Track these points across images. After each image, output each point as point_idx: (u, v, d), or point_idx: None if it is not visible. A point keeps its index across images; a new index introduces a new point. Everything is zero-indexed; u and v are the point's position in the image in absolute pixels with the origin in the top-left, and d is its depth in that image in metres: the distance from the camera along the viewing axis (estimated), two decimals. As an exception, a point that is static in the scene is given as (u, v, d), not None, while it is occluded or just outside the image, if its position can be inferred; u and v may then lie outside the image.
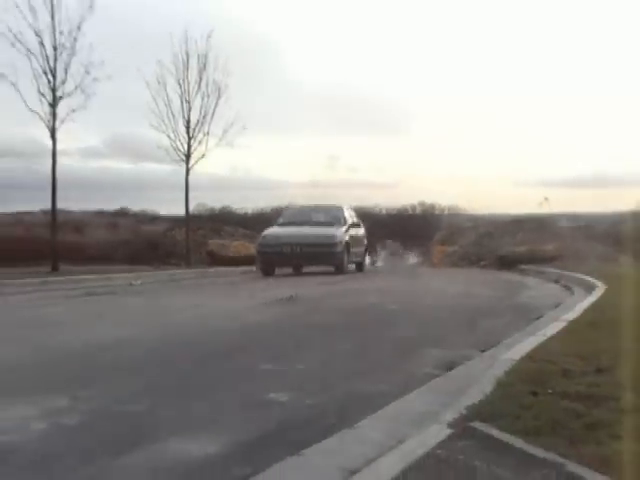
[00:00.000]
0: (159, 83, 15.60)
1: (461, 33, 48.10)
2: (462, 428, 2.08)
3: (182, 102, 15.79)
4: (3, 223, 17.57)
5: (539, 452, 1.85)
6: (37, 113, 12.21)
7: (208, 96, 15.86)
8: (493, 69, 47.61)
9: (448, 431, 2.06)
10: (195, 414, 2.57)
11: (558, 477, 1.71)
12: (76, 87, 12.34)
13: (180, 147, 15.77)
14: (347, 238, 13.48)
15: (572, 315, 5.06)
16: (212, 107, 15.89)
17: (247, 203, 31.99)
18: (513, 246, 17.13)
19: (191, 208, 17.52)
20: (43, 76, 12.17)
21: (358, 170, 48.91)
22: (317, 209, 14.80)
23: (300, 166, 46.44)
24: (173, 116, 15.71)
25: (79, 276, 11.04)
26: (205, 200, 26.99)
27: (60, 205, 13.44)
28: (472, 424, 2.11)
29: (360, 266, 14.93)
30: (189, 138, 15.80)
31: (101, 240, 17.31)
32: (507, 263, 15.92)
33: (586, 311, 5.34)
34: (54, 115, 12.32)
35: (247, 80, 34.99)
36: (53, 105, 12.28)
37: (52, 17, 12.15)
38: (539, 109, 44.38)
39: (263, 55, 40.30)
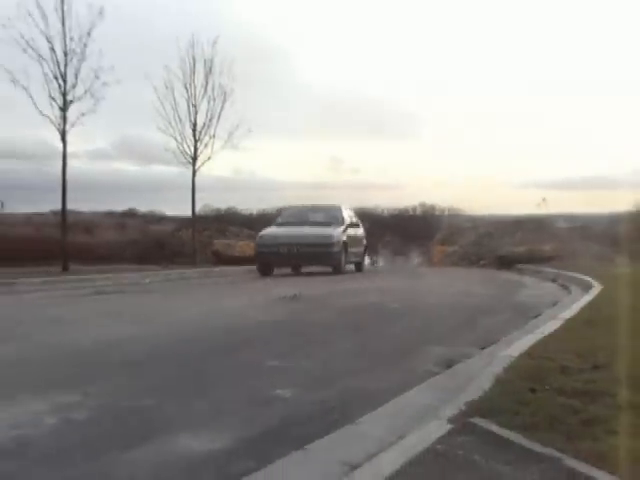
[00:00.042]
0: (167, 87, 15.70)
1: (463, 36, 48.29)
2: (462, 424, 2.11)
3: (189, 106, 15.88)
4: (14, 223, 17.60)
5: (537, 447, 1.88)
6: (48, 117, 12.33)
7: (214, 100, 15.92)
8: (493, 72, 47.84)
9: (448, 427, 2.09)
10: (202, 410, 2.60)
11: (555, 471, 1.74)
12: (86, 91, 12.43)
13: (187, 150, 15.87)
14: (345, 238, 13.36)
15: (569, 313, 5.11)
16: (218, 110, 15.96)
17: (252, 204, 32.05)
18: (512, 246, 17.15)
19: (197, 209, 17.55)
20: (54, 81, 12.28)
21: (361, 172, 49.19)
22: (315, 209, 14.65)
23: (304, 168, 46.77)
24: (180, 119, 15.80)
25: (89, 275, 11.11)
26: (211, 201, 27.00)
27: (70, 206, 13.52)
28: (472, 420, 2.14)
29: (359, 266, 14.83)
30: (195, 141, 15.87)
31: (110, 240, 17.39)
32: (506, 263, 15.95)
33: (583, 309, 5.38)
34: (64, 119, 12.41)
35: (254, 83, 35.01)
36: (63, 109, 12.38)
37: (63, 24, 12.26)
38: (537, 112, 44.52)
39: (271, 58, 40.41)
